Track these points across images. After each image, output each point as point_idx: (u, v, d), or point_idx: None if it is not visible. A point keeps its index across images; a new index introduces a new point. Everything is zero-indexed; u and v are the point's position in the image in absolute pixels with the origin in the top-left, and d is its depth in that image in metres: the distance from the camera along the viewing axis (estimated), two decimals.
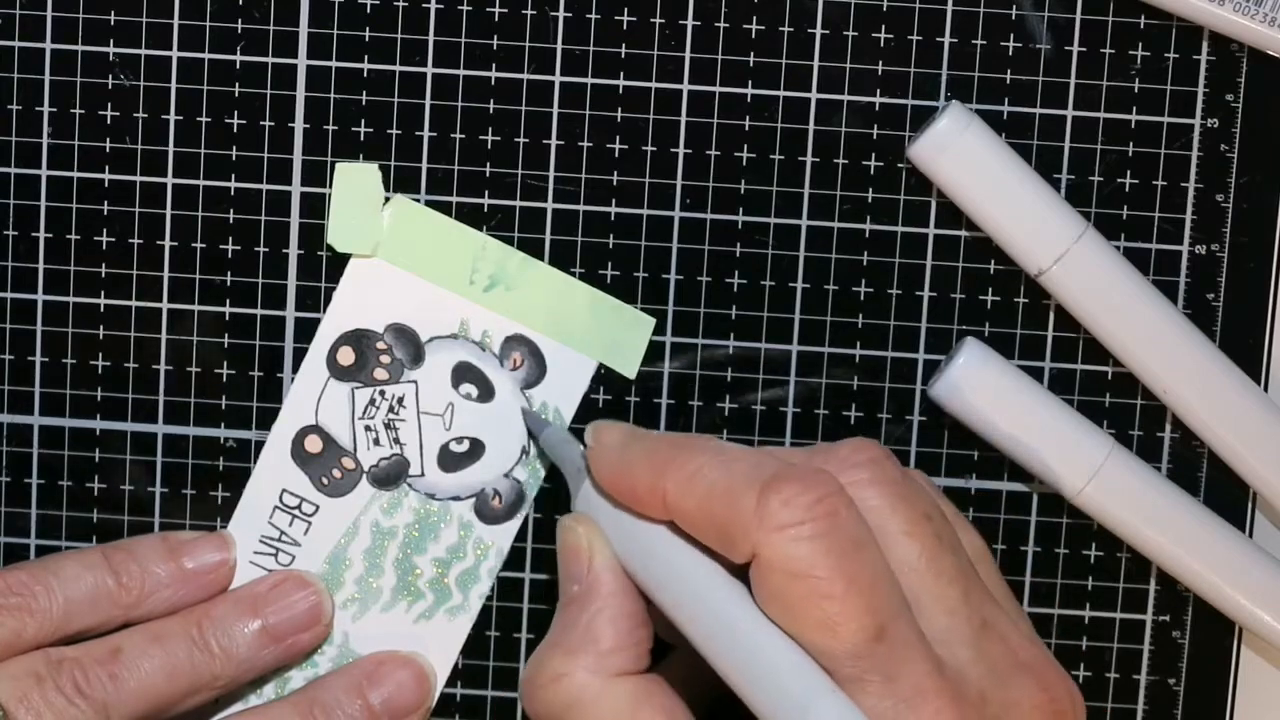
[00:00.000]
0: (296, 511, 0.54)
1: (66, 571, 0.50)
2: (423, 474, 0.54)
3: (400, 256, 0.53)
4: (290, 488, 0.54)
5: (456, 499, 0.54)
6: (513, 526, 0.54)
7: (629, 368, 0.54)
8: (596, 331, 0.54)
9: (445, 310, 0.53)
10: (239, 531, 0.53)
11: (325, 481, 0.54)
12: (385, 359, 0.53)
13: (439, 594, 0.54)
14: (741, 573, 0.44)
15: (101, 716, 0.49)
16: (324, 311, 0.54)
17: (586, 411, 0.54)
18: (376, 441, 0.54)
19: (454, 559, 0.54)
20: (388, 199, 0.53)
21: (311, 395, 0.54)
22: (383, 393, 0.53)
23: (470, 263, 0.53)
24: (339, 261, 0.54)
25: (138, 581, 0.51)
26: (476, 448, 0.54)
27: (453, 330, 0.53)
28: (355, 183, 0.53)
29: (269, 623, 0.52)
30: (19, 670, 0.48)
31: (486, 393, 0.53)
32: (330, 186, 0.53)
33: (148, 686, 0.50)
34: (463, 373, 0.54)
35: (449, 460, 0.54)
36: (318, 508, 0.54)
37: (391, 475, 0.54)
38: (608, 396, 0.54)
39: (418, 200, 0.53)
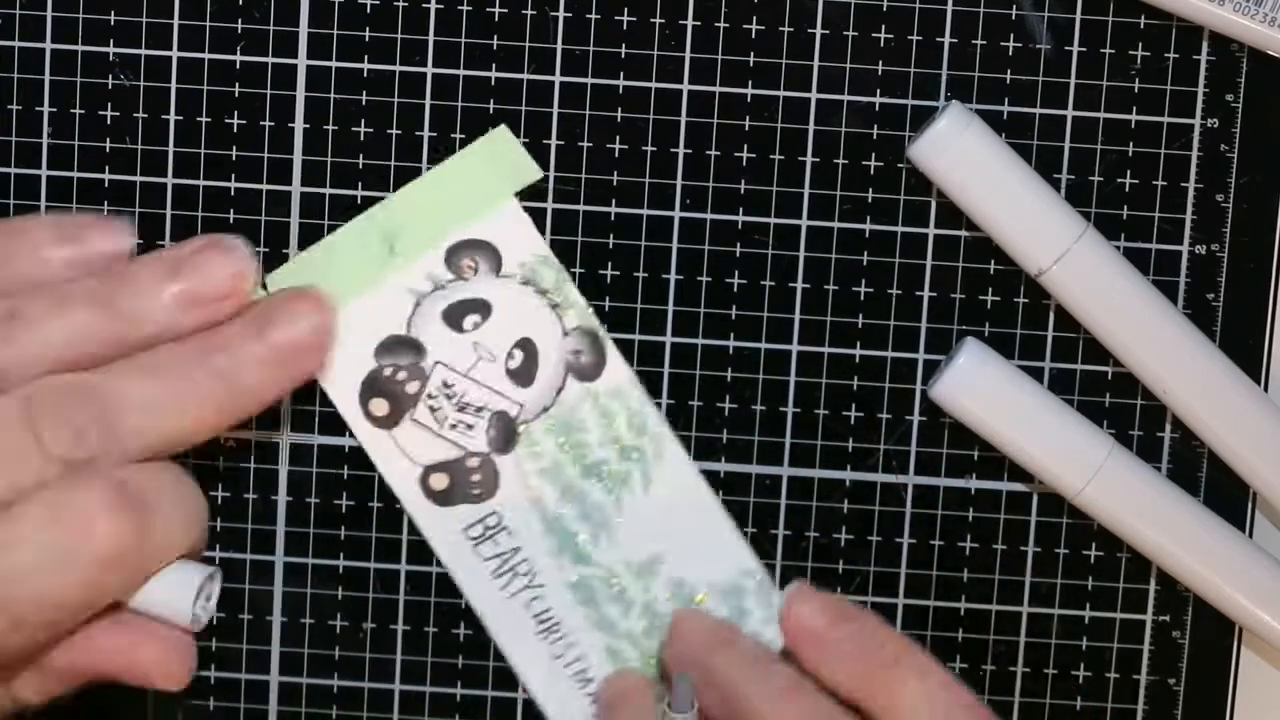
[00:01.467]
0: (488, 532, 0.54)
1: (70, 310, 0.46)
2: (520, 406, 0.53)
3: (337, 293, 0.52)
4: (465, 523, 0.54)
5: (559, 390, 0.53)
6: (614, 356, 0.53)
7: (530, 173, 0.53)
8: (483, 181, 0.53)
9: (389, 297, 0.53)
10: (474, 587, 0.54)
11: (477, 493, 0.54)
12: (401, 375, 0.53)
13: (632, 449, 0.53)
14: None
15: (2, 379, 0.45)
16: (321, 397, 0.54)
17: (567, 255, 0.54)
18: (469, 426, 0.53)
19: (609, 421, 0.54)
20: (264, 286, 0.51)
21: (392, 453, 0.53)
22: (430, 395, 0.53)
23: (370, 252, 0.52)
24: None
25: (29, 263, 0.47)
26: (526, 346, 0.53)
27: (411, 300, 0.53)
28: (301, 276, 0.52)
29: (187, 288, 0.47)
30: None
31: (484, 309, 0.53)
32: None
33: (50, 349, 0.45)
34: (454, 315, 0.53)
35: (520, 376, 0.53)
36: (496, 513, 0.53)
37: (505, 432, 0.53)
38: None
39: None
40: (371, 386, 0.53)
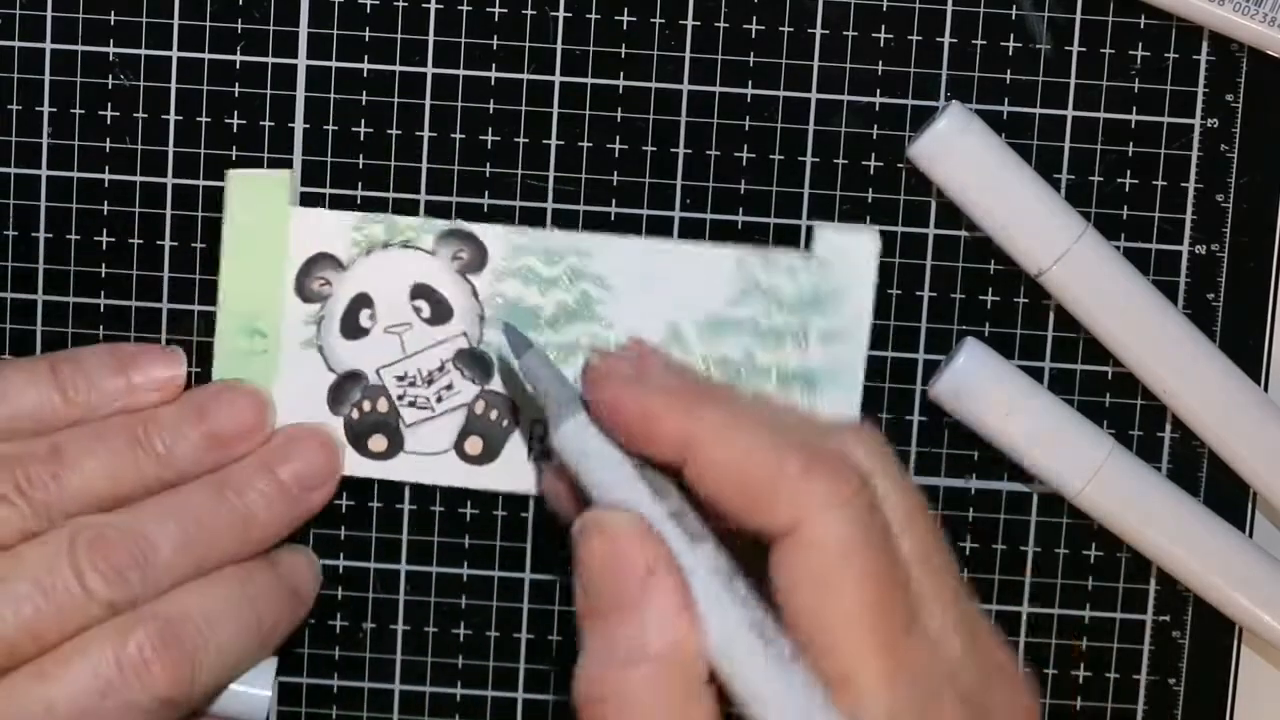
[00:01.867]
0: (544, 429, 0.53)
1: (10, 384, 0.49)
2: (464, 333, 0.53)
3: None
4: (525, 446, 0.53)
5: (474, 294, 0.53)
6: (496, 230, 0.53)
7: (280, 181, 0.53)
8: (259, 224, 0.52)
9: (299, 360, 0.53)
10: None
11: (505, 424, 0.53)
12: (367, 405, 0.53)
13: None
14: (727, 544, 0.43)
15: (44, 517, 0.47)
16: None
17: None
18: (449, 386, 0.53)
19: (557, 280, 0.53)
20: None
21: (425, 466, 0.53)
22: (399, 397, 0.53)
23: (251, 347, 0.53)
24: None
25: (84, 397, 0.50)
26: (421, 294, 0.53)
27: (315, 347, 0.53)
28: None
29: (212, 428, 0.50)
30: None
31: (366, 302, 0.53)
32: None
33: (90, 486, 0.48)
34: (347, 323, 0.53)
35: (437, 318, 0.53)
36: (544, 430, 0.53)
37: (472, 361, 0.53)
38: None
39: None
40: (354, 431, 0.53)
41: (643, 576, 0.41)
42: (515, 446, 0.53)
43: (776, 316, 0.52)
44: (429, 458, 0.53)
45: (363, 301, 0.53)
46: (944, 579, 0.43)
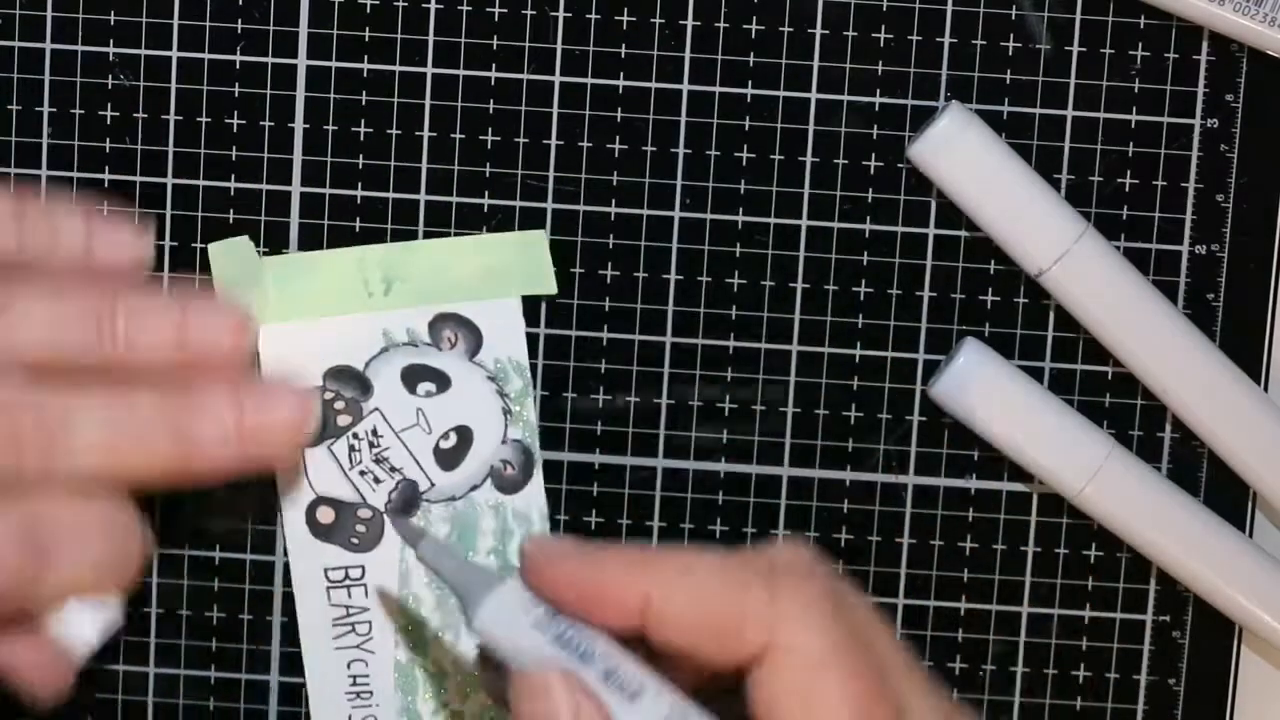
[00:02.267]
0: (348, 582, 0.54)
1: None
2: (432, 484, 0.54)
3: (297, 308, 0.53)
4: (329, 564, 0.54)
5: (475, 488, 0.54)
6: (537, 482, 0.54)
7: (545, 285, 0.53)
8: (499, 271, 0.53)
9: (363, 331, 0.53)
10: (310, 624, 0.53)
11: (355, 542, 0.54)
12: (339, 405, 0.53)
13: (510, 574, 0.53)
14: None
15: None
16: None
17: (540, 349, 0.54)
18: (377, 480, 0.53)
19: (505, 538, 0.53)
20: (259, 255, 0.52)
21: (299, 473, 0.54)
22: (356, 435, 0.53)
23: (359, 277, 0.53)
24: None
25: (40, 240, 0.46)
26: (464, 434, 0.54)
27: (380, 345, 0.53)
28: (231, 260, 0.53)
29: (187, 334, 0.45)
30: None
31: (443, 382, 0.53)
32: (208, 270, 0.53)
33: (29, 344, 0.44)
34: (413, 375, 0.53)
35: (446, 459, 0.54)
36: (363, 569, 0.54)
37: (408, 501, 0.54)
38: (607, 397, 0.54)
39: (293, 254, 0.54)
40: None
41: None
42: (338, 552, 0.54)
43: None
44: (299, 484, 0.54)
45: (441, 381, 0.54)
46: (915, 674, 0.43)
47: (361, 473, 0.53)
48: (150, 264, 0.47)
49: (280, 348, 0.53)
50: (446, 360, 0.53)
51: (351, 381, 0.53)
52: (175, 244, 0.54)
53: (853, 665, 0.40)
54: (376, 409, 0.53)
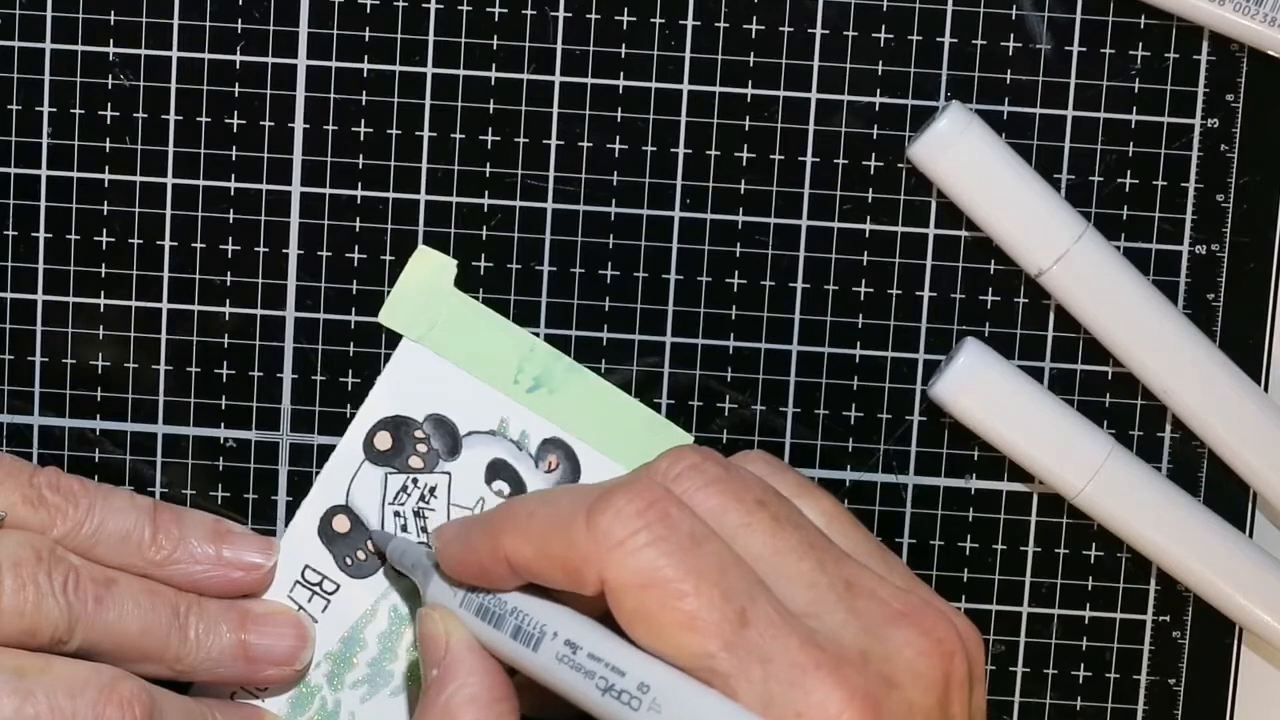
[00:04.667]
0: (317, 589, 0.54)
1: (115, 503, 0.51)
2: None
3: (449, 348, 0.53)
4: (313, 564, 0.54)
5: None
6: None
7: None
8: (633, 442, 0.53)
9: (487, 405, 0.53)
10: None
11: (349, 562, 0.54)
12: (422, 448, 0.53)
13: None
14: (603, 612, 0.43)
15: (66, 626, 0.49)
16: (365, 384, 0.54)
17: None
18: (404, 528, 0.53)
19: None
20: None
21: (344, 475, 0.54)
22: (415, 480, 0.53)
23: (517, 362, 0.53)
24: (340, 263, 0.54)
25: (171, 545, 0.51)
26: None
27: (491, 426, 0.53)
28: (429, 269, 0.53)
29: (249, 640, 0.52)
30: (25, 540, 0.49)
31: (518, 490, 0.53)
32: (404, 264, 0.53)
33: (119, 628, 0.50)
34: (497, 469, 0.53)
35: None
36: (339, 586, 0.54)
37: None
38: None
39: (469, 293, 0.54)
40: (397, 425, 0.54)
41: (444, 655, 0.46)
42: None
43: None
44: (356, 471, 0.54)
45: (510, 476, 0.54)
46: (799, 558, 0.43)
47: (396, 513, 0.53)
48: (270, 573, 0.53)
49: (411, 367, 0.53)
50: (535, 477, 0.53)
51: (447, 438, 0.53)
52: (175, 244, 0.54)
53: (675, 583, 0.41)
54: (449, 474, 0.53)
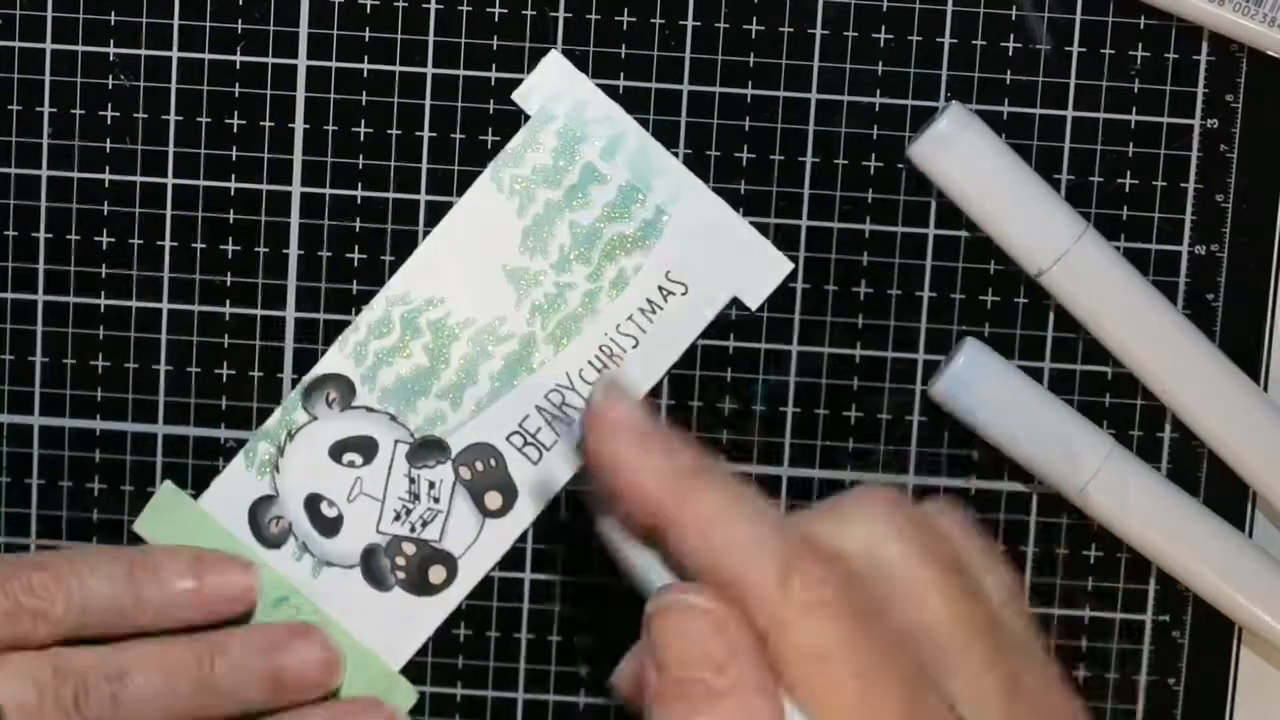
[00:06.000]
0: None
1: (90, 580, 0.50)
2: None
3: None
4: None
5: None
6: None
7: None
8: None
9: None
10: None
11: (493, 464, 0.54)
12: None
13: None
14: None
15: None
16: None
17: None
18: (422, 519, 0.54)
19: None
20: None
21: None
22: (415, 503, 0.54)
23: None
24: (340, 263, 0.54)
25: (157, 601, 0.51)
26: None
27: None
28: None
29: (280, 673, 0.51)
30: (24, 671, 0.48)
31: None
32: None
33: (145, 711, 0.49)
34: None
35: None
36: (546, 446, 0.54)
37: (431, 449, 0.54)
38: None
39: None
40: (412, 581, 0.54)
41: (724, 662, 0.39)
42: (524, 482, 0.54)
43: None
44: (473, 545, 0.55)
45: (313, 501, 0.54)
46: (976, 638, 0.41)
47: (434, 499, 0.54)
48: (259, 590, 0.53)
49: None
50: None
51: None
52: (175, 244, 0.54)
53: (850, 664, 0.38)
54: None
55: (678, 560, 0.40)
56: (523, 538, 0.54)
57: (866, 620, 0.39)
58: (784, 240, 0.54)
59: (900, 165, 0.54)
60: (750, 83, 0.54)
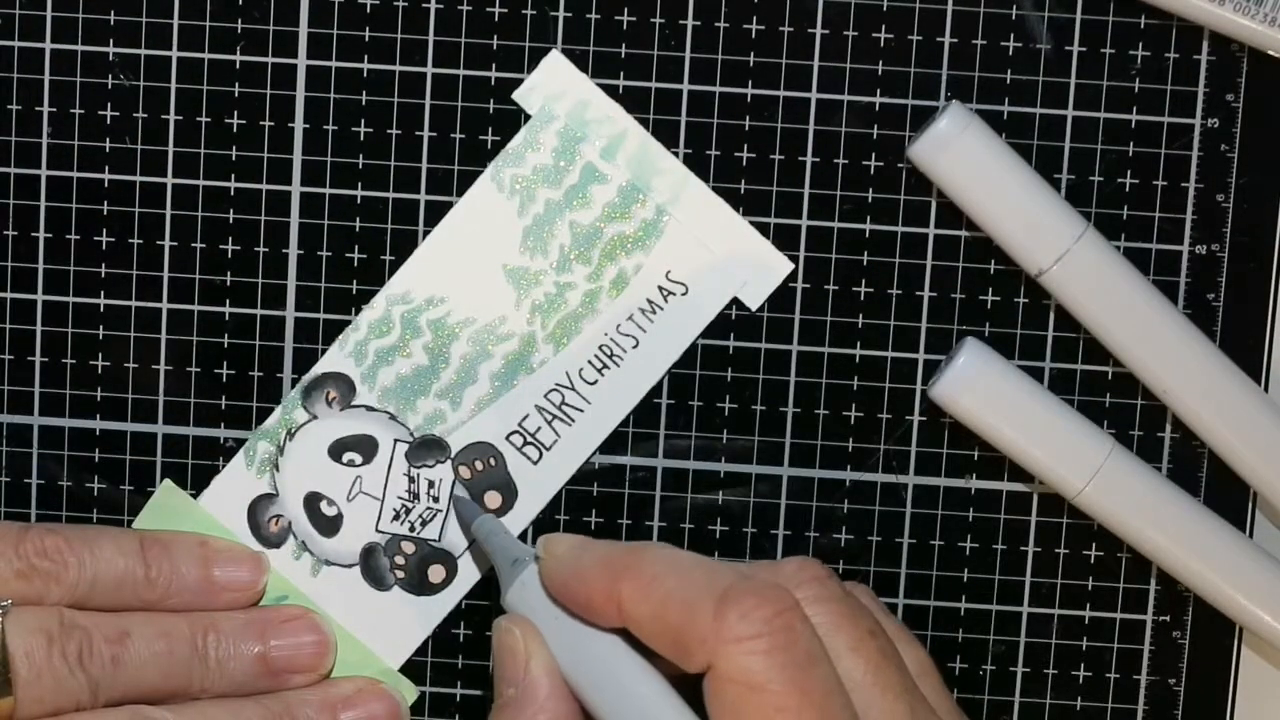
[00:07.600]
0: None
1: (102, 551, 0.51)
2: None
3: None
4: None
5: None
6: None
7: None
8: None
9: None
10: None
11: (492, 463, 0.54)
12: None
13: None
14: (685, 681, 0.44)
15: (89, 694, 0.49)
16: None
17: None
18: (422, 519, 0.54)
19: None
20: None
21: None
22: (413, 504, 0.54)
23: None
24: (340, 263, 0.54)
25: (166, 580, 0.52)
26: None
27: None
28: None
29: (270, 654, 0.52)
30: (33, 623, 0.49)
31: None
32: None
33: (141, 677, 0.50)
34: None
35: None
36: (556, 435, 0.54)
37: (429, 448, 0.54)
38: None
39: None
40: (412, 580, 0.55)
41: (523, 676, 0.46)
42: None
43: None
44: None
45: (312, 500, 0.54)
46: (896, 698, 0.45)
47: (434, 499, 0.54)
48: (262, 589, 0.54)
49: None
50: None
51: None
52: (175, 244, 0.54)
53: (782, 697, 0.42)
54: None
55: (636, 630, 0.44)
56: (522, 537, 0.54)
57: (796, 661, 0.42)
58: (784, 240, 0.54)
59: (900, 165, 0.54)
60: (750, 82, 0.54)
